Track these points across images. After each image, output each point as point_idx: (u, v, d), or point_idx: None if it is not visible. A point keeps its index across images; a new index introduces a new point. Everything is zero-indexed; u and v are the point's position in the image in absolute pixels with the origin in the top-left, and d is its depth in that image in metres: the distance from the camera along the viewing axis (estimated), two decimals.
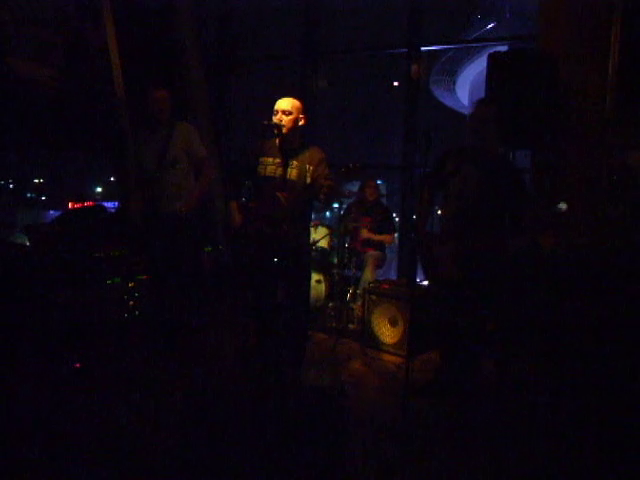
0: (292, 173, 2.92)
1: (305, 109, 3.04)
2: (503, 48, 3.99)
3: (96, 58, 4.39)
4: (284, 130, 2.90)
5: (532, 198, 3.08)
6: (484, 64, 3.53)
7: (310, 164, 2.93)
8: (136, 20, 4.79)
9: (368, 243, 4.79)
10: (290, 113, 2.92)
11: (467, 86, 25.03)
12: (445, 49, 19.08)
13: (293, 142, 2.97)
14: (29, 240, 3.85)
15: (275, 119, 2.91)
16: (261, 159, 2.98)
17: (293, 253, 2.96)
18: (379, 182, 6.84)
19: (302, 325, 3.14)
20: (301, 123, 2.98)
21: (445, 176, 2.97)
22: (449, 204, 2.99)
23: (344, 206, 4.90)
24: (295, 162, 2.93)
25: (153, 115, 3.54)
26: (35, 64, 3.96)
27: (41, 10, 4.01)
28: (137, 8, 4.81)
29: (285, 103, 2.94)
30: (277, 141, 2.99)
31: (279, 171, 2.93)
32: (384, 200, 5.31)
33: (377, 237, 4.79)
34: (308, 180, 2.92)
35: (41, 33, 4.02)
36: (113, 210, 4.86)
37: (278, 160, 2.95)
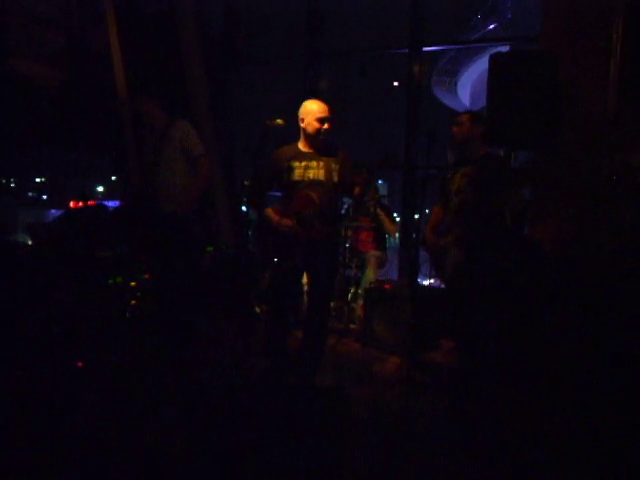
0: (320, 173, 2.97)
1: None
2: (505, 49, 3.99)
3: (99, 57, 4.40)
4: (326, 135, 2.97)
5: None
6: (485, 65, 3.52)
7: (335, 163, 3.00)
8: (138, 19, 4.80)
9: (373, 239, 4.74)
10: (330, 119, 2.98)
11: (468, 87, 24.99)
12: (446, 49, 19.04)
13: (324, 144, 3.02)
14: (31, 239, 3.85)
15: (318, 125, 2.95)
16: (288, 164, 3.02)
17: (324, 249, 3.01)
18: (379, 182, 6.83)
19: (324, 322, 3.15)
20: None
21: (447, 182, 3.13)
22: (449, 206, 3.11)
23: (345, 206, 4.89)
24: (322, 163, 2.99)
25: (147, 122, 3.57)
26: (38, 64, 3.97)
27: (44, 10, 4.03)
28: (139, 7, 4.82)
29: (326, 109, 2.98)
30: (307, 144, 3.03)
31: (308, 173, 2.98)
32: (385, 200, 5.31)
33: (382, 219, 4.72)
34: (335, 179, 2.98)
35: (44, 33, 4.03)
36: (115, 209, 4.86)
37: (305, 163, 3.00)
